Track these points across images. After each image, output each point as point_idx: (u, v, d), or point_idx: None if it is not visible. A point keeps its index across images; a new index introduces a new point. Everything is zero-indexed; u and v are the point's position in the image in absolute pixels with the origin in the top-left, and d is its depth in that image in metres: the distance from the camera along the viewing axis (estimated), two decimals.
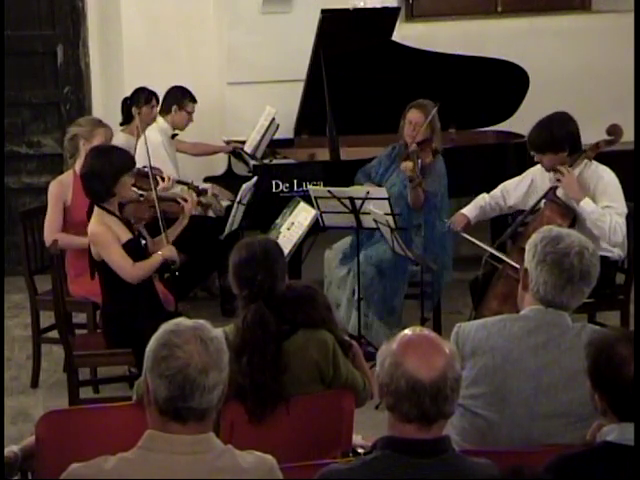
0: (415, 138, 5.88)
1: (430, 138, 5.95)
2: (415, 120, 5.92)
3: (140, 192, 5.27)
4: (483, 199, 5.73)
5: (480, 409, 3.17)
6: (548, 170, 5.39)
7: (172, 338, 2.43)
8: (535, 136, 5.36)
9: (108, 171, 4.87)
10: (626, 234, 5.30)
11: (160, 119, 6.75)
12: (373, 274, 5.83)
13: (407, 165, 5.77)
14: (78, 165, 5.66)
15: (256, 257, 3.53)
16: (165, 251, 5.03)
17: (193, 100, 6.82)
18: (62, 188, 5.67)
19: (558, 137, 5.29)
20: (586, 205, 5.21)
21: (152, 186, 5.26)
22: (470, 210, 5.72)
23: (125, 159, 5.01)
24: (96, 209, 4.91)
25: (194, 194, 5.66)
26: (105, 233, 4.85)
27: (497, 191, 5.72)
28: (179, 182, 6.19)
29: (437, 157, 5.98)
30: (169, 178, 5.86)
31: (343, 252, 6.10)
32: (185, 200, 5.33)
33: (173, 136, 6.85)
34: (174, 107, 6.74)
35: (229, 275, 3.63)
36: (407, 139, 5.92)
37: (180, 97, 6.77)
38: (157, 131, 6.66)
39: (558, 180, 5.29)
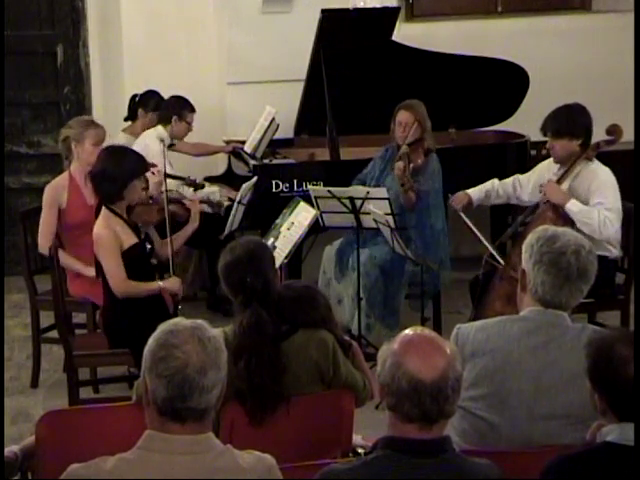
0: (406, 139, 5.90)
1: (421, 138, 5.96)
2: (405, 121, 5.93)
3: (150, 194, 5.24)
4: (492, 184, 5.77)
5: (480, 411, 3.17)
6: (557, 160, 5.40)
7: (170, 338, 2.43)
8: (553, 119, 5.40)
9: (119, 175, 4.86)
10: (619, 229, 5.30)
11: (160, 127, 6.66)
12: (377, 275, 5.83)
13: (398, 165, 5.79)
14: (73, 167, 5.66)
15: (240, 259, 3.51)
16: (167, 283, 4.97)
17: (192, 110, 6.74)
18: (56, 192, 5.63)
19: (577, 123, 5.36)
20: (572, 206, 5.25)
21: (164, 189, 5.29)
22: (474, 191, 5.75)
23: (137, 164, 4.99)
24: (103, 210, 4.91)
25: (197, 197, 5.58)
26: (108, 237, 4.82)
27: (509, 180, 5.78)
28: (172, 176, 6.08)
29: (430, 156, 5.98)
30: (158, 172, 5.60)
31: (341, 248, 6.09)
32: (191, 201, 5.37)
33: (170, 145, 6.78)
34: (174, 118, 6.66)
35: (221, 283, 3.62)
36: (399, 141, 5.95)
37: (180, 108, 6.68)
38: (155, 138, 6.58)
39: (544, 194, 5.33)
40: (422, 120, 5.95)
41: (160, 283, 4.94)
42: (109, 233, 4.83)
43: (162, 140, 6.47)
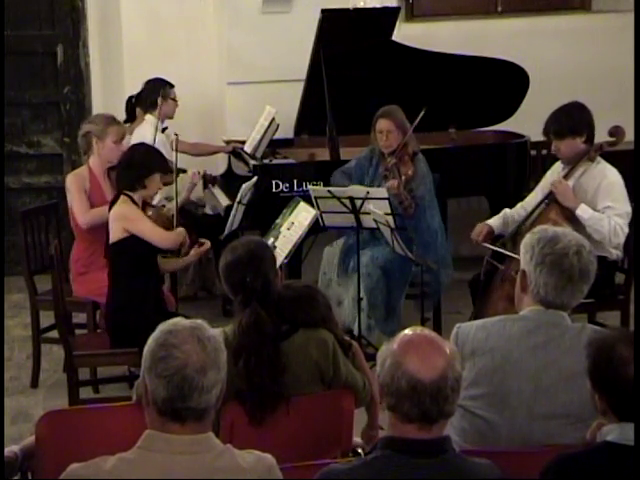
0: (390, 147, 5.89)
1: (405, 143, 5.94)
2: (385, 129, 5.92)
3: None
4: (504, 213, 5.66)
5: (480, 410, 3.17)
6: (564, 160, 5.39)
7: (169, 338, 2.42)
8: (553, 121, 5.38)
9: (146, 162, 5.08)
10: (627, 234, 5.30)
11: (149, 116, 6.68)
12: (379, 276, 5.82)
13: (392, 185, 5.79)
14: (92, 161, 5.70)
15: (241, 259, 3.51)
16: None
17: (171, 85, 6.77)
18: (81, 178, 5.70)
19: (577, 120, 5.34)
20: (582, 212, 5.22)
21: (175, 202, 5.46)
22: (493, 220, 5.65)
23: (164, 160, 5.27)
24: (122, 197, 5.04)
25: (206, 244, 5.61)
26: (134, 209, 5.01)
27: (517, 206, 5.68)
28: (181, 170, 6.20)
29: (416, 159, 5.96)
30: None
31: (344, 251, 6.09)
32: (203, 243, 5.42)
33: (163, 130, 6.80)
34: (159, 100, 6.67)
35: (222, 282, 3.62)
36: (382, 149, 5.95)
37: (160, 88, 6.69)
38: (150, 127, 6.60)
39: (555, 188, 5.30)
40: (402, 125, 5.92)
41: (181, 229, 5.18)
42: (132, 206, 5.02)
43: (156, 128, 6.52)
